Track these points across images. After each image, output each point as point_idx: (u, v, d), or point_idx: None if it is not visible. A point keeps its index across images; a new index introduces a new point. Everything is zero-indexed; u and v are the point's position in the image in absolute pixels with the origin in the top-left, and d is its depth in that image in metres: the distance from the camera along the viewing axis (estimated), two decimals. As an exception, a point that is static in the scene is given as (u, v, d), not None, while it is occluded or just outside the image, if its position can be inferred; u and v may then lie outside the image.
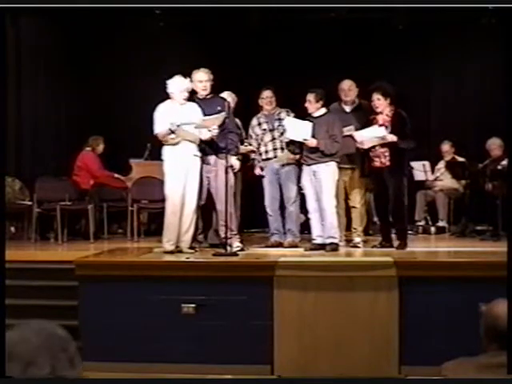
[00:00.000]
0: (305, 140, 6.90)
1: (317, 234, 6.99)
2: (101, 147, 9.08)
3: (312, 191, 6.99)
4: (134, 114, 9.79)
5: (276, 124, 7.54)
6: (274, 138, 7.53)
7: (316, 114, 7.06)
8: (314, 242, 6.99)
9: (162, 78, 6.88)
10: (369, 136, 6.91)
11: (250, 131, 7.69)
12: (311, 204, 7.00)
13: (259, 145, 7.62)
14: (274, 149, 7.51)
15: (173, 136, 6.67)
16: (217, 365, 5.88)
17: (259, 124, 7.64)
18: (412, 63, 10.06)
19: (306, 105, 7.05)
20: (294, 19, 9.57)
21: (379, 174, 6.97)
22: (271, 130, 7.56)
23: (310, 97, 7.00)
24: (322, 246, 6.91)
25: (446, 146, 9.36)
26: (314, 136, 6.90)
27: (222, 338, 6.03)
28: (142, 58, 10.02)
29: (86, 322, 6.15)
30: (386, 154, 6.85)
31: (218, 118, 6.78)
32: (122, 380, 4.45)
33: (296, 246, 7.29)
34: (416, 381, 5.37)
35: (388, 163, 6.84)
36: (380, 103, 6.95)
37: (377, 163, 6.91)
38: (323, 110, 7.11)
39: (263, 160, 7.59)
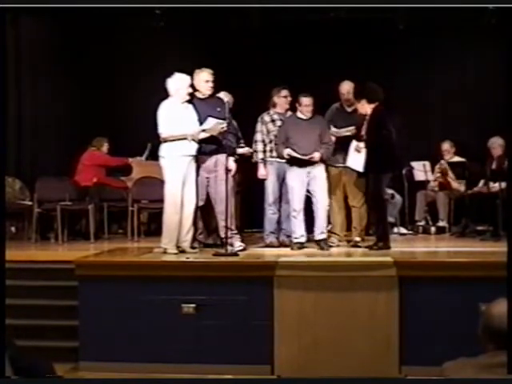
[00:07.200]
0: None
1: (300, 233, 7.04)
2: (105, 147, 9.09)
3: (301, 192, 7.02)
4: (134, 113, 9.80)
5: None
6: None
7: (307, 117, 7.09)
8: (297, 240, 7.03)
9: (162, 77, 6.87)
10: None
11: (261, 127, 7.47)
12: (297, 205, 7.02)
13: (270, 141, 7.42)
14: None
15: (189, 138, 6.65)
16: (217, 365, 5.88)
17: (273, 121, 7.47)
18: (412, 63, 10.05)
19: (302, 108, 7.04)
20: (293, 19, 9.57)
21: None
22: None
23: (309, 101, 7.02)
24: (303, 245, 7.01)
25: (446, 145, 9.36)
26: (306, 137, 6.96)
27: (222, 337, 6.02)
28: (142, 58, 10.02)
29: (86, 322, 6.15)
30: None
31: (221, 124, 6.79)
32: (122, 380, 4.45)
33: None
34: (416, 381, 5.37)
35: (369, 162, 6.83)
36: (358, 106, 6.97)
37: None
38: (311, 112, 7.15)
39: (272, 158, 7.42)
